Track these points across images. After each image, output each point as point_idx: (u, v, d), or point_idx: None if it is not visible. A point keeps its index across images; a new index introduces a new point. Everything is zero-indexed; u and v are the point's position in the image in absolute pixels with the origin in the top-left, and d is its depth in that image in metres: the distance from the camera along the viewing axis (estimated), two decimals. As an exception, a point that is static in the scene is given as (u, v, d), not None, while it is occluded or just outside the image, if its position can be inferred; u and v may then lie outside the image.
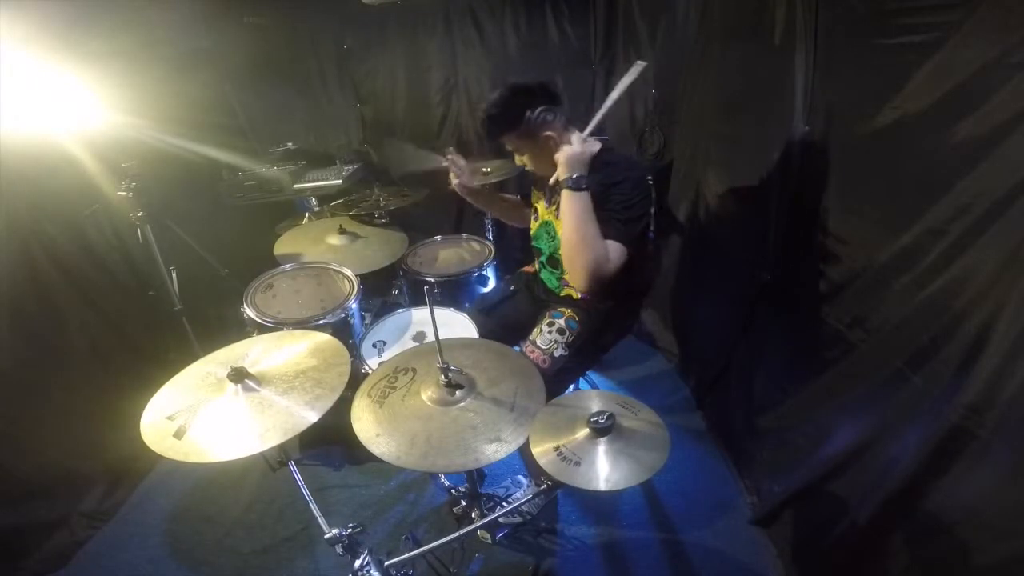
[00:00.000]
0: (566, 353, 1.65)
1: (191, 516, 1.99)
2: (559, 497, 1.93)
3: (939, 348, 1.11)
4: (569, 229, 1.46)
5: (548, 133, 1.51)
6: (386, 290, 2.72)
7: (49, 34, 1.76)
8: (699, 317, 2.43)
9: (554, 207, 1.65)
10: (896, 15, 1.16)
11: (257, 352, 1.35)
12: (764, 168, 1.74)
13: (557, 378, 1.64)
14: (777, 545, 1.71)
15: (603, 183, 1.47)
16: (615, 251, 1.45)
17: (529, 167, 1.64)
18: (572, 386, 1.97)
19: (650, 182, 1.54)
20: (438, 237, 2.56)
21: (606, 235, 1.44)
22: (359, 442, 1.16)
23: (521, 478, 1.97)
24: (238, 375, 1.21)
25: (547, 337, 1.68)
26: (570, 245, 1.48)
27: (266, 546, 1.85)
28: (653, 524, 1.86)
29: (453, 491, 1.83)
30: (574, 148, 1.45)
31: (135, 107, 2.10)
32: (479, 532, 1.77)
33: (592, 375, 2.44)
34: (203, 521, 1.96)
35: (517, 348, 1.77)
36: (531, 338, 1.71)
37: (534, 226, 1.82)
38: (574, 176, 1.44)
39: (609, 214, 1.46)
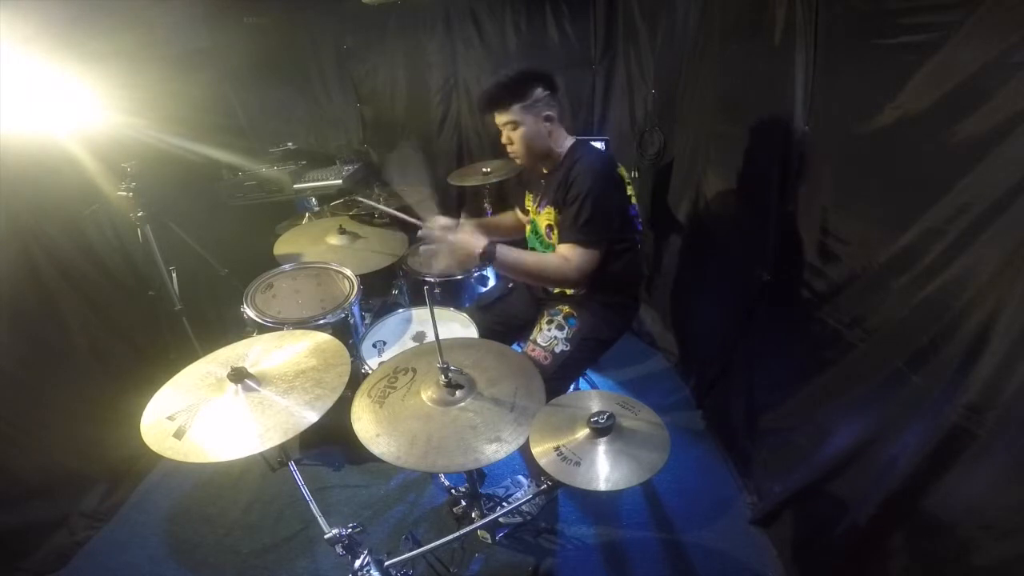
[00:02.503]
0: (567, 348, 1.65)
1: (191, 516, 1.99)
2: (559, 497, 1.93)
3: (939, 348, 1.11)
4: (522, 277, 1.71)
5: (548, 113, 1.57)
6: (386, 290, 2.72)
7: (49, 34, 1.76)
8: (699, 317, 2.43)
9: (536, 203, 1.67)
10: (896, 15, 1.16)
11: (257, 352, 1.35)
12: (764, 168, 1.74)
13: (559, 375, 1.64)
14: (777, 545, 1.71)
15: (566, 187, 1.53)
16: (574, 256, 1.52)
17: (514, 147, 1.62)
18: (572, 385, 1.97)
19: (623, 179, 1.58)
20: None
21: (565, 239, 1.54)
22: (359, 442, 1.16)
23: (521, 478, 1.97)
24: (238, 375, 1.21)
25: (547, 334, 1.68)
26: (533, 281, 1.75)
27: (266, 546, 1.85)
28: (653, 524, 1.86)
29: (453, 491, 1.83)
30: (467, 240, 1.53)
31: (135, 107, 2.10)
32: (479, 532, 1.77)
33: (592, 375, 2.44)
34: (203, 521, 1.96)
35: (516, 347, 1.77)
36: (532, 337, 1.71)
37: (528, 226, 1.82)
38: (476, 269, 1.61)
39: (568, 221, 1.54)
